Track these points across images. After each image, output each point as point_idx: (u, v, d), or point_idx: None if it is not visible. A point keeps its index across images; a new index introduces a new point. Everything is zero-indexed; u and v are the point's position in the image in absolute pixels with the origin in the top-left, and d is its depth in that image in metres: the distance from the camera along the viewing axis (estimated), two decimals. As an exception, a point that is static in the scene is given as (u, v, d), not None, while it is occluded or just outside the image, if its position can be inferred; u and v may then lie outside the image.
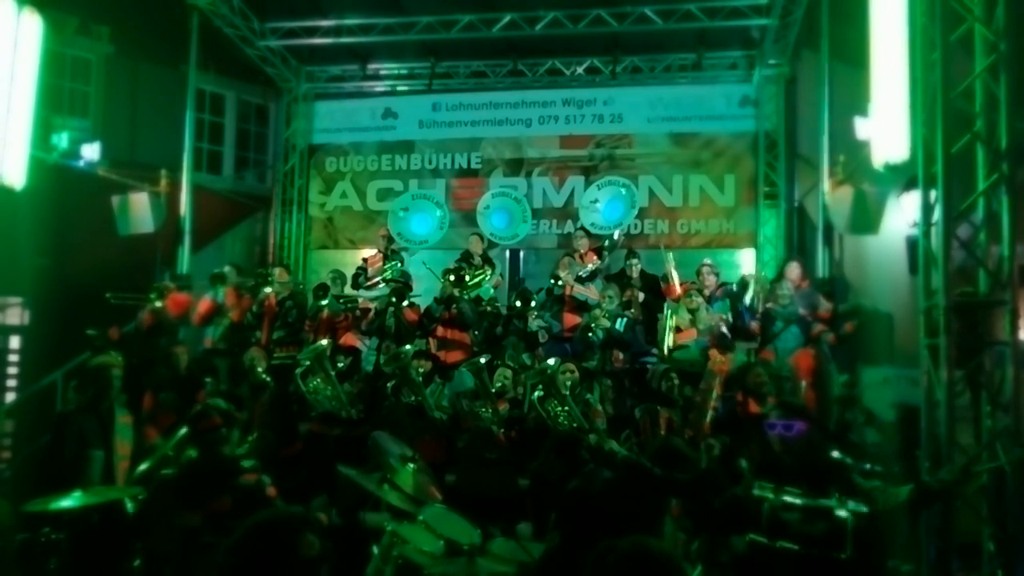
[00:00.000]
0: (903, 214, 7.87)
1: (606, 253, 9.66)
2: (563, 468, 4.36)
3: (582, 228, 10.31)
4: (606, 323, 7.90)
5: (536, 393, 6.27)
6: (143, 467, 4.90)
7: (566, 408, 6.11)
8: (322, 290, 8.70)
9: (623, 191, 11.26)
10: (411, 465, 4.68)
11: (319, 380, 6.90)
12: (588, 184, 11.64)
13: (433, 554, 4.10)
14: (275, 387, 7.12)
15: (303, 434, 7.01)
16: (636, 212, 11.28)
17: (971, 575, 4.47)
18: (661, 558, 2.29)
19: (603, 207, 11.21)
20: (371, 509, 4.83)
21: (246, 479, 4.83)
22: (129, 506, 4.48)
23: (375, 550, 4.24)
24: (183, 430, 4.92)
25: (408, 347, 7.31)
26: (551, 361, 6.54)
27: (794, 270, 8.58)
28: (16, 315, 10.20)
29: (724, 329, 7.90)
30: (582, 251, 9.43)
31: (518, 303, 8.44)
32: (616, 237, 10.24)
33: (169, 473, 4.73)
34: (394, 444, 4.92)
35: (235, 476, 4.75)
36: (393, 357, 7.04)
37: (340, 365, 7.45)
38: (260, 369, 7.23)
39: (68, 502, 4.13)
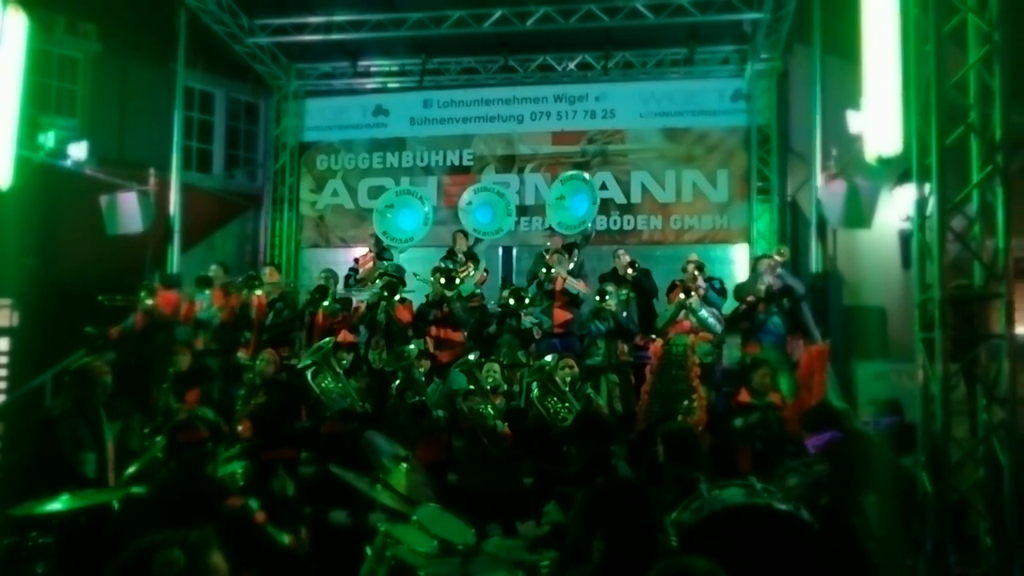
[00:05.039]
0: (896, 208, 7.87)
1: (578, 250, 9.43)
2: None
3: (551, 227, 9.92)
4: (613, 306, 7.75)
5: (534, 391, 6.17)
6: (131, 469, 4.84)
7: (567, 404, 6.06)
8: (320, 293, 8.56)
9: (584, 185, 10.44)
10: (404, 465, 4.63)
11: (329, 379, 6.84)
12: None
13: (427, 554, 4.04)
14: (275, 390, 7.03)
15: (316, 436, 6.85)
16: (597, 207, 10.46)
17: (969, 570, 4.45)
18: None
19: (569, 203, 10.39)
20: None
21: (230, 504, 4.04)
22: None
23: (368, 551, 4.19)
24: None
25: (412, 347, 7.23)
26: (548, 358, 6.47)
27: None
28: (5, 317, 10.09)
29: (712, 319, 7.86)
30: (557, 249, 9.03)
31: (511, 301, 8.31)
32: (589, 230, 10.01)
33: (140, 492, 4.26)
34: (387, 443, 4.86)
35: (219, 500, 3.96)
36: (396, 356, 6.97)
37: (344, 363, 7.38)
38: (272, 371, 7.13)
39: (56, 505, 4.07)
